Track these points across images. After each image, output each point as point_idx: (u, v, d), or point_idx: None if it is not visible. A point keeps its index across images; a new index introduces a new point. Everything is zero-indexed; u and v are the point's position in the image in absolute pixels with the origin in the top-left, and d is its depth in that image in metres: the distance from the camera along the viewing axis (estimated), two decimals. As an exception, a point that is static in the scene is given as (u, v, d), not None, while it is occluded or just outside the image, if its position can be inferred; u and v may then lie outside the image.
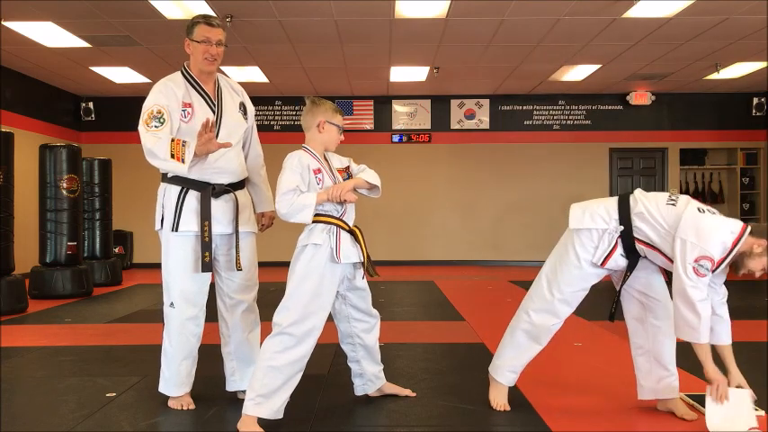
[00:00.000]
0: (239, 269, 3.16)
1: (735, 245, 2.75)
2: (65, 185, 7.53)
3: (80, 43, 7.99)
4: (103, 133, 11.37)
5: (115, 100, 11.33)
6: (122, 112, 11.29)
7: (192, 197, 3.08)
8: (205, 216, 3.05)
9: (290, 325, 2.87)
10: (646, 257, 2.99)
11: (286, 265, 3.02)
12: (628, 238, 2.95)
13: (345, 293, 3.12)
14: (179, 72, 3.17)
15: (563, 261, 3.10)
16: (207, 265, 3.06)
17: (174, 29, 7.38)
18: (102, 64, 9.15)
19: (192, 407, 3.17)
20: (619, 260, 2.99)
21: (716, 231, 2.76)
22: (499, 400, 3.17)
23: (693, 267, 2.72)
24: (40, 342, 4.94)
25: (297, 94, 11.31)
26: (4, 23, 7.17)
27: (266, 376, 2.83)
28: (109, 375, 3.87)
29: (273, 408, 2.84)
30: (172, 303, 3.11)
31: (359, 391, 3.33)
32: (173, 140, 2.96)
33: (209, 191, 3.08)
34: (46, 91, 10.40)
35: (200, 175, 3.07)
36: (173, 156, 2.93)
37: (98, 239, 8.70)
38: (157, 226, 3.15)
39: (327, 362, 4.03)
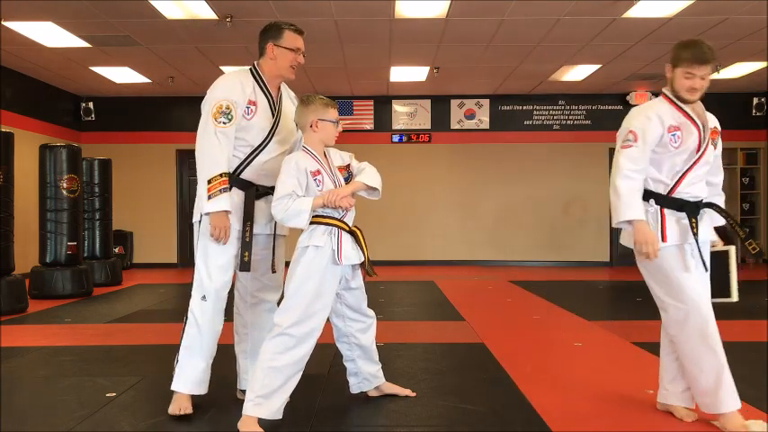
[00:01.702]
0: (274, 272, 3.19)
1: (661, 94, 2.98)
2: (65, 185, 7.53)
3: (80, 43, 7.99)
4: (103, 133, 11.35)
5: (115, 100, 11.33)
6: (122, 112, 11.31)
7: (236, 195, 3.08)
8: (248, 216, 3.07)
9: (290, 326, 2.87)
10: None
11: (287, 265, 3.02)
12: (667, 201, 2.88)
13: (341, 292, 3.13)
14: (248, 70, 3.20)
15: (658, 272, 2.92)
16: (246, 265, 3.05)
17: (174, 29, 7.39)
18: (102, 64, 9.15)
19: (190, 411, 3.08)
20: (675, 227, 2.86)
21: (635, 111, 2.98)
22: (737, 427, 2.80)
23: (622, 145, 2.90)
24: (40, 342, 4.94)
25: (297, 94, 11.28)
26: (4, 23, 7.17)
27: (266, 377, 2.84)
28: (109, 375, 3.87)
29: (273, 408, 2.85)
30: (204, 297, 3.07)
31: (354, 390, 3.34)
32: (222, 175, 2.98)
33: (253, 191, 3.11)
34: (46, 91, 10.40)
35: (247, 175, 3.12)
36: (209, 182, 2.96)
37: (98, 239, 8.70)
38: (196, 218, 3.12)
39: (327, 362, 4.03)
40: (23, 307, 6.44)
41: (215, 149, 3.00)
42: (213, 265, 3.07)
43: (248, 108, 3.09)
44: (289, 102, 3.34)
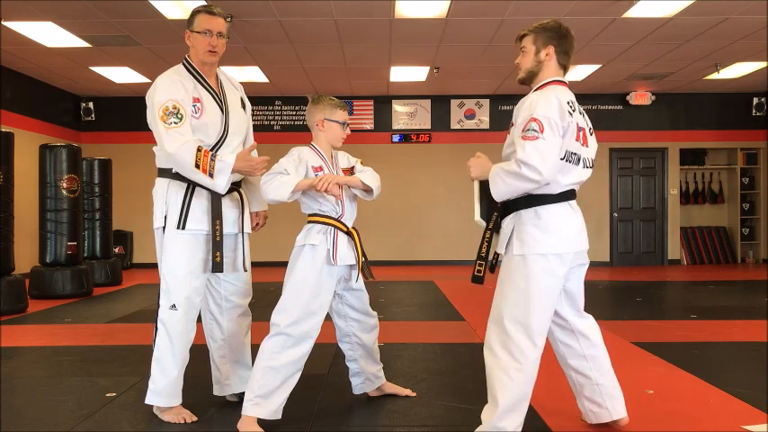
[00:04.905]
0: (245, 270, 3.12)
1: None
2: (65, 185, 7.53)
3: (80, 43, 8.00)
4: (103, 133, 11.37)
5: (115, 100, 11.33)
6: (122, 112, 11.31)
7: (202, 195, 2.95)
8: (216, 215, 2.96)
9: (288, 325, 2.87)
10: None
11: (286, 264, 3.01)
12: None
13: (342, 293, 3.13)
14: (181, 65, 3.04)
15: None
16: (218, 265, 2.95)
17: (174, 29, 7.39)
18: (102, 64, 9.15)
19: (195, 418, 3.03)
20: None
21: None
22: None
23: None
24: (40, 342, 4.94)
25: (297, 94, 11.31)
26: (4, 23, 7.17)
27: (264, 377, 2.84)
28: (109, 375, 3.87)
29: (272, 408, 2.85)
30: (174, 305, 2.93)
31: (357, 391, 3.33)
32: (199, 150, 2.82)
33: None
34: (46, 91, 10.40)
35: None
36: (197, 166, 2.80)
37: (98, 239, 8.70)
38: (158, 223, 2.97)
39: (327, 362, 4.03)
40: (23, 307, 6.44)
41: (178, 147, 2.81)
42: (182, 271, 2.94)
43: (195, 106, 2.93)
44: (231, 88, 3.17)
